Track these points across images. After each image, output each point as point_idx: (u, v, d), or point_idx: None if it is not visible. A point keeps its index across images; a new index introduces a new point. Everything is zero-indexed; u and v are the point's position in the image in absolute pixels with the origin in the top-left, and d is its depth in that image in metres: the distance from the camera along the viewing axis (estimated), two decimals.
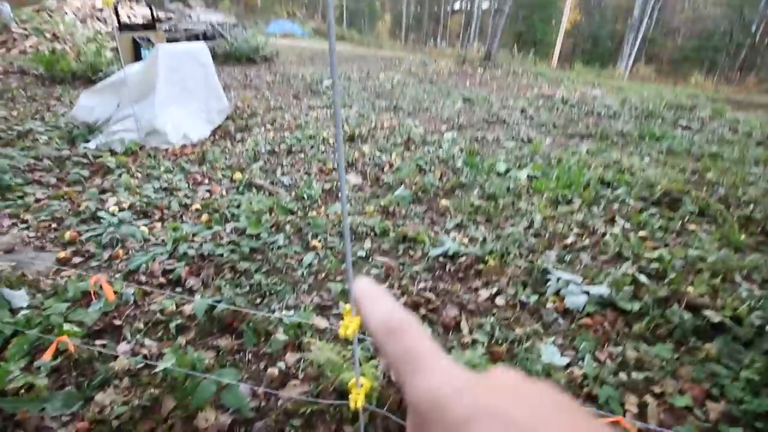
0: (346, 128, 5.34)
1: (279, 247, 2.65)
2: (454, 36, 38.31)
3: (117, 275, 2.31)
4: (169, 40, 8.02)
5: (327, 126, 5.47)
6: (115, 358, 1.77)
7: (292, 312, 2.09)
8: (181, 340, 1.93)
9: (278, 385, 1.73)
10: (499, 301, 2.27)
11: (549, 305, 2.24)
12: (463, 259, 2.62)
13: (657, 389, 1.73)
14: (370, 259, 2.63)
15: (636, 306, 2.16)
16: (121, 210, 2.96)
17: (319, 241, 2.77)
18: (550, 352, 1.91)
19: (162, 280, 2.31)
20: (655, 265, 2.53)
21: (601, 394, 1.66)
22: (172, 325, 1.98)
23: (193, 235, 2.72)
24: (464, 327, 2.08)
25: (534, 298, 2.28)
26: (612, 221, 3.23)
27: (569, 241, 2.90)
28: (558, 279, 2.34)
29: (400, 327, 0.21)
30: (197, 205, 3.15)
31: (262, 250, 2.62)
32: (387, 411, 1.52)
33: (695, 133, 6.30)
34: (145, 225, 2.86)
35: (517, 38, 27.61)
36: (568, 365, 1.86)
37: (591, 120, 6.75)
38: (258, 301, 2.19)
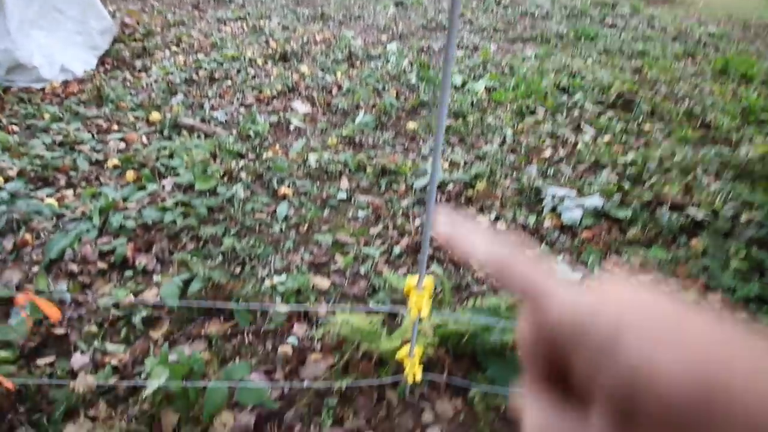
0: (273, 45, 4.51)
1: (241, 201, 2.21)
2: None
3: (35, 269, 1.75)
4: None
5: (249, 43, 4.57)
6: (74, 376, 1.37)
7: (283, 276, 1.79)
8: (155, 335, 1.56)
9: (296, 364, 1.49)
10: (500, 226, 2.16)
11: (547, 223, 2.19)
12: (450, 186, 2.44)
13: (665, 289, 1.81)
14: (353, 200, 2.33)
15: (627, 213, 2.20)
16: (7, 180, 2.20)
17: (288, 186, 2.36)
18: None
19: (101, 265, 1.80)
20: (631, 170, 2.58)
21: None
22: (136, 319, 1.58)
23: (124, 200, 2.14)
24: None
25: (532, 218, 2.21)
26: (578, 128, 3.22)
27: (546, 154, 2.83)
28: (553, 196, 2.27)
29: (508, 259, 0.20)
30: (114, 161, 2.47)
31: (222, 208, 2.16)
32: (439, 373, 1.39)
33: (621, 31, 6.44)
34: (50, 195, 2.18)
35: None
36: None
37: (527, 21, 6.53)
38: (238, 270, 1.83)
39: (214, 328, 1.58)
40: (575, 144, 2.96)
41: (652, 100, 3.66)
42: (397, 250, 1.96)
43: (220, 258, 1.86)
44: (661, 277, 1.87)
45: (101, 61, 3.90)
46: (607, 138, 3.08)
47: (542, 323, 0.18)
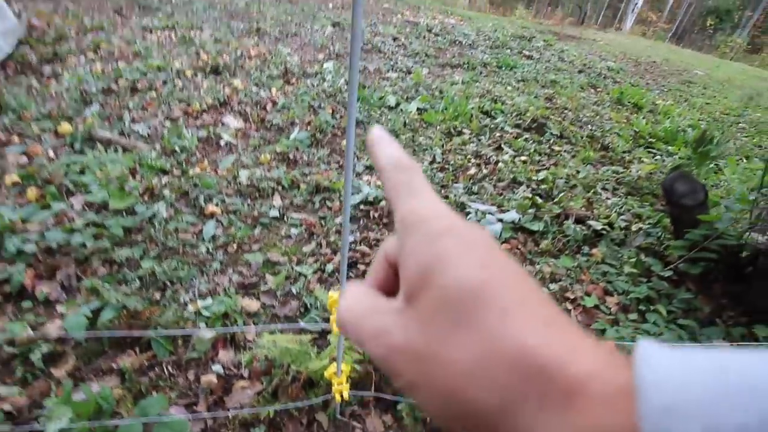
0: (204, 57, 4.36)
1: (164, 221, 2.09)
2: None
3: None
4: None
5: (177, 54, 4.37)
6: None
7: (209, 300, 1.71)
8: (57, 373, 1.41)
9: (221, 394, 1.43)
10: None
11: None
12: (383, 203, 2.52)
13: (570, 296, 2.03)
14: (285, 218, 2.31)
15: (540, 226, 2.43)
16: None
17: (216, 204, 2.28)
18: None
19: None
20: (543, 186, 2.86)
21: None
22: (35, 356, 1.41)
23: (23, 221, 1.92)
24: None
25: None
26: (499, 149, 3.50)
27: (471, 172, 3.04)
28: (476, 211, 2.44)
29: (407, 165, 0.23)
30: (14, 177, 2.21)
31: (141, 228, 2.03)
32: (368, 389, 1.42)
33: (536, 63, 7.15)
34: None
35: None
36: None
37: (455, 49, 7.00)
38: (158, 296, 1.72)
39: (128, 360, 1.47)
40: (496, 162, 3.22)
41: (561, 125, 4.11)
42: (330, 267, 1.97)
43: (137, 283, 1.73)
44: (567, 284, 2.09)
45: (2, 65, 3.49)
46: (523, 158, 3.39)
47: (402, 211, 0.21)
